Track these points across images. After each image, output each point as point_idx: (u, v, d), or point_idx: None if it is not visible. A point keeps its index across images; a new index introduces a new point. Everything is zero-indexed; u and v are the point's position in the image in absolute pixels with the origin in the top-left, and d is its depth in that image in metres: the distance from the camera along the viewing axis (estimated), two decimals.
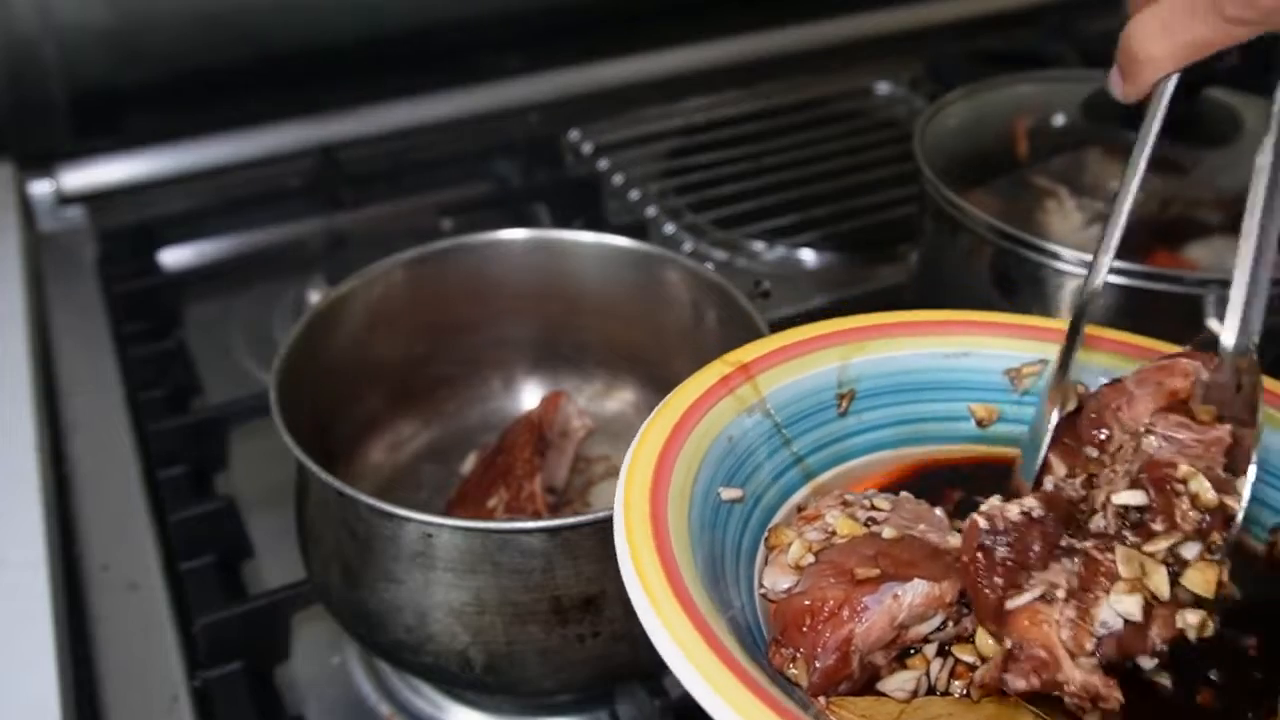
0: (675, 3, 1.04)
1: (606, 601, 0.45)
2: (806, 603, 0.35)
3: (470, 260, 0.60)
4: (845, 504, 0.40)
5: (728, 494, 0.39)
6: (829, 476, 0.43)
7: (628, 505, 0.35)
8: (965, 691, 0.35)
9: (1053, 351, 0.44)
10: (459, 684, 0.48)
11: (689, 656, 0.30)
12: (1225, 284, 0.45)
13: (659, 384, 0.59)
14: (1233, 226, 0.59)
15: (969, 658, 0.35)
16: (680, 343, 0.58)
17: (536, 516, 0.52)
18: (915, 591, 0.35)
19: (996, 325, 0.46)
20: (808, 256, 0.79)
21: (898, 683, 0.35)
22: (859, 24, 1.06)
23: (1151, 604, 0.33)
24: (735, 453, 0.40)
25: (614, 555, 0.34)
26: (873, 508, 0.39)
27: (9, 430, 0.61)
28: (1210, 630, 0.34)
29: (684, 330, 0.58)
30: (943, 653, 0.36)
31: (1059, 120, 0.65)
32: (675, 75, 1.00)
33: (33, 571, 0.53)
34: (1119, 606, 0.33)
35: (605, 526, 0.37)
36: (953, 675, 0.35)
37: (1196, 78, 0.60)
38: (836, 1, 1.06)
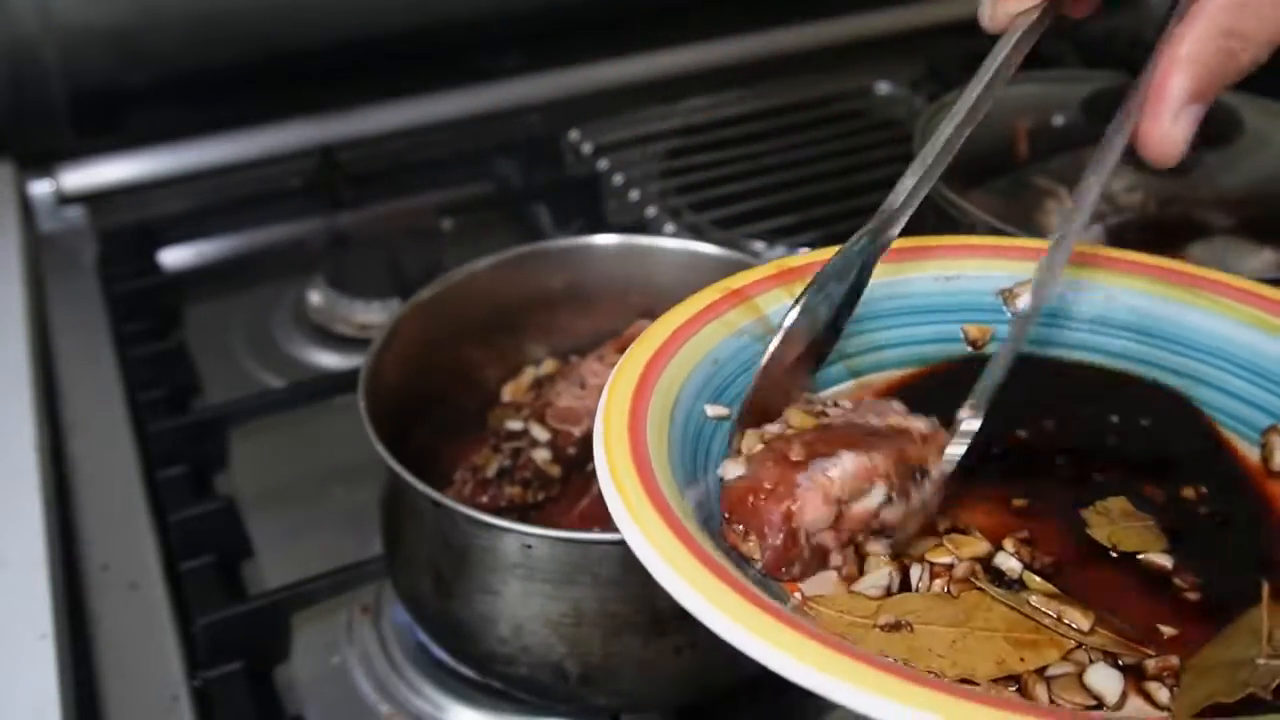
0: (675, 3, 1.04)
1: None
2: (746, 484, 0.36)
3: (555, 264, 0.60)
4: (808, 403, 0.40)
5: (713, 411, 0.38)
6: (819, 397, 0.42)
7: (607, 425, 0.35)
8: (947, 589, 0.35)
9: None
10: (551, 696, 0.48)
11: (669, 560, 0.31)
12: None
13: None
14: (1233, 227, 0.59)
15: (945, 559, 0.36)
16: None
17: None
18: (843, 466, 0.36)
19: (986, 247, 0.46)
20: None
21: (871, 581, 0.35)
22: (859, 24, 1.06)
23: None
24: (721, 374, 0.40)
25: None
26: (834, 404, 0.40)
27: (9, 430, 0.61)
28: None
29: None
30: (918, 559, 0.36)
31: (1059, 120, 0.65)
32: (675, 75, 1.00)
33: (33, 571, 0.53)
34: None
35: None
36: (933, 577, 0.36)
37: None
38: (836, 1, 1.06)
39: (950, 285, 0.45)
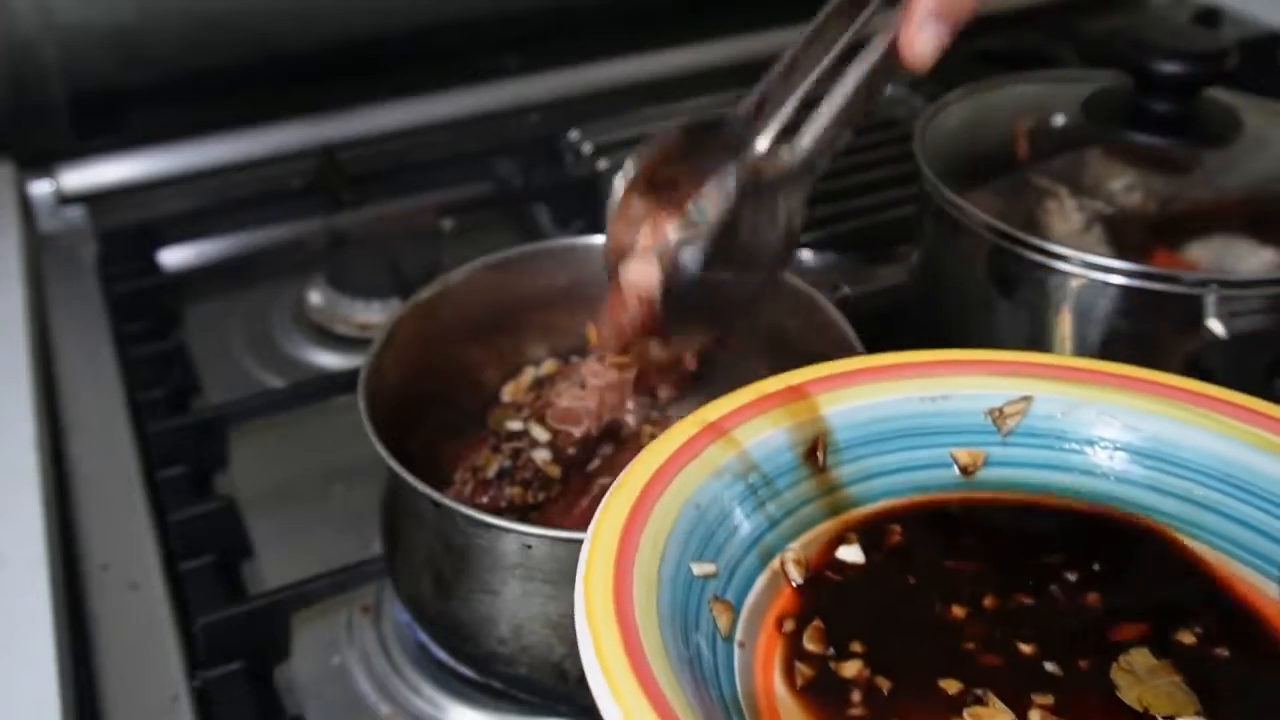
0: (675, 3, 1.03)
1: None
2: None
3: (555, 264, 0.60)
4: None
5: (700, 569, 0.36)
6: (809, 537, 0.40)
7: (589, 600, 0.32)
8: None
9: (1035, 388, 0.42)
10: (552, 696, 0.48)
11: None
12: (1225, 284, 0.45)
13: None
14: (1233, 227, 0.59)
15: None
16: (762, 351, 0.57)
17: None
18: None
19: (975, 363, 0.43)
20: (807, 257, 0.79)
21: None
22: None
23: None
24: (705, 521, 0.37)
25: None
26: None
27: (9, 430, 0.61)
28: None
29: (766, 339, 0.56)
30: None
31: (1059, 120, 0.65)
32: (675, 75, 1.00)
33: (33, 571, 0.53)
34: None
35: None
36: None
37: (1197, 78, 0.60)
38: None
39: (936, 406, 0.43)
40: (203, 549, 0.56)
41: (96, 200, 0.86)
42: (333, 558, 0.56)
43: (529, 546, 0.44)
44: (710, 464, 0.38)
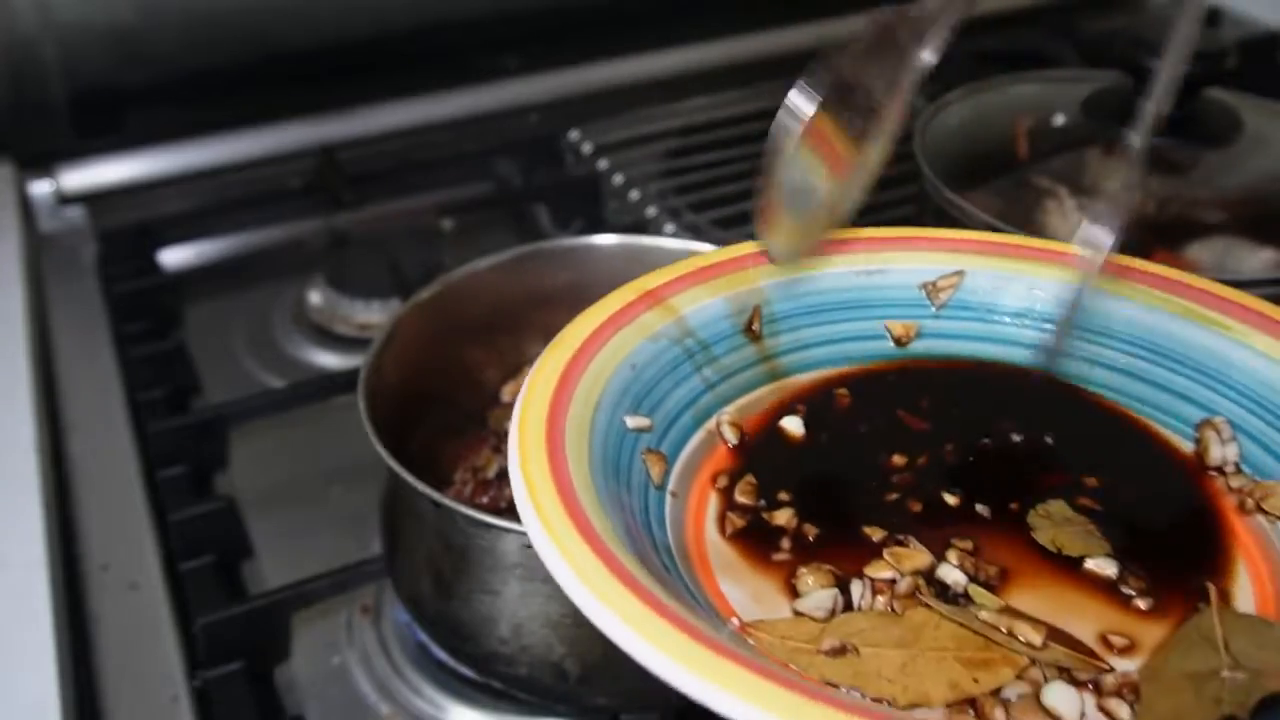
0: (675, 3, 1.03)
1: None
2: None
3: (555, 264, 0.60)
4: None
5: (634, 422, 0.38)
6: (745, 401, 0.42)
7: (522, 440, 0.33)
8: (890, 606, 0.35)
9: (968, 263, 0.43)
10: (552, 696, 0.48)
11: (592, 589, 0.29)
12: (1224, 284, 0.45)
13: None
14: (1233, 227, 0.59)
15: (886, 574, 0.35)
16: None
17: None
18: None
19: (910, 239, 0.45)
20: None
21: (814, 602, 0.34)
22: (859, 24, 1.06)
23: None
24: (640, 380, 0.39)
25: None
26: None
27: (9, 430, 0.61)
28: None
29: None
30: (856, 575, 0.35)
31: (1059, 120, 0.65)
32: (675, 75, 1.00)
33: (33, 571, 0.53)
34: None
35: None
36: (875, 593, 0.35)
37: (1197, 78, 0.60)
38: (836, 1, 1.06)
39: (872, 280, 0.44)
40: (203, 549, 0.56)
41: (96, 200, 0.86)
42: (333, 558, 0.56)
43: (529, 546, 0.44)
44: (647, 328, 0.40)
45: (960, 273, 0.44)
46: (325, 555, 0.56)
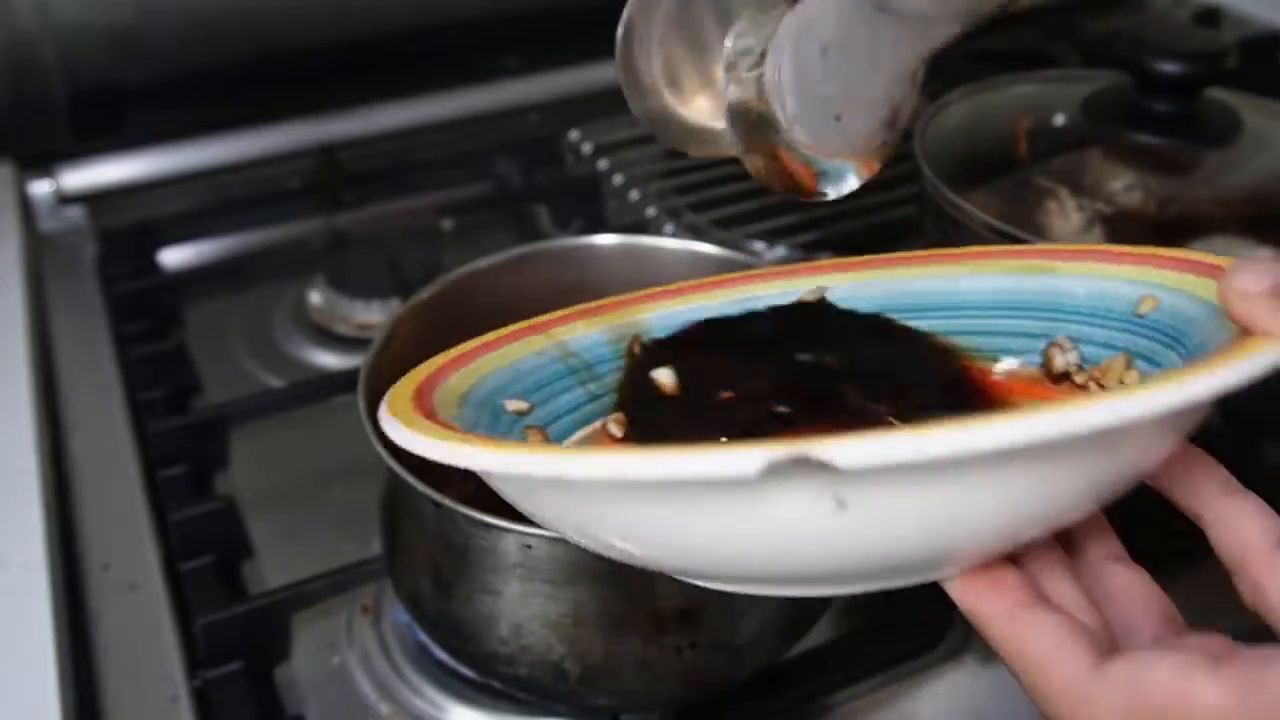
0: None
1: (705, 612, 0.45)
2: None
3: (555, 264, 0.60)
4: None
5: (513, 405, 0.40)
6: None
7: (391, 400, 0.36)
8: None
9: (829, 279, 0.46)
10: (551, 696, 0.48)
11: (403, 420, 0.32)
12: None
13: None
14: (1233, 227, 0.59)
15: None
16: None
17: None
18: None
19: (777, 274, 0.48)
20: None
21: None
22: None
23: None
24: (523, 382, 0.41)
25: None
26: None
27: (9, 430, 0.61)
28: None
29: None
30: None
31: (1059, 120, 0.65)
32: None
33: (33, 571, 0.53)
34: None
35: None
36: None
37: (1197, 78, 0.60)
38: None
39: (745, 306, 0.48)
40: (203, 549, 0.56)
41: (96, 200, 0.86)
42: (333, 558, 0.56)
43: (529, 546, 0.44)
44: (531, 346, 0.43)
45: (822, 288, 0.46)
46: (325, 555, 0.56)
